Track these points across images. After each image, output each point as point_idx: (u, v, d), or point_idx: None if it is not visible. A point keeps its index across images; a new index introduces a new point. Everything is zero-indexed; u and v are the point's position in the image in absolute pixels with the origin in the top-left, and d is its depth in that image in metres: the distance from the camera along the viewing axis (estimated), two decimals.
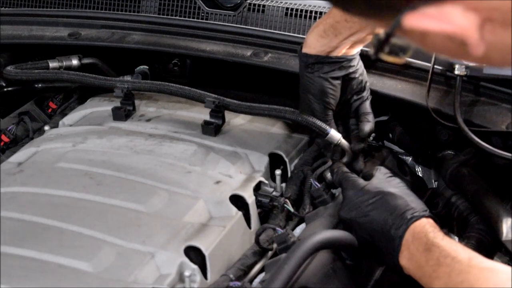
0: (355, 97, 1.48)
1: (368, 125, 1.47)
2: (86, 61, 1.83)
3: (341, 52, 1.43)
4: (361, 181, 1.33)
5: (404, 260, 1.22)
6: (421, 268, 1.18)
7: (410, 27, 0.70)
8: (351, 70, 1.45)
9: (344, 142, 1.46)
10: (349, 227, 1.30)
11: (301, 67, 1.47)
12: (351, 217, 1.29)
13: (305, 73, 1.46)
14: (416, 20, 0.69)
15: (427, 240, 1.19)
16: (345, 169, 1.41)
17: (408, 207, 1.25)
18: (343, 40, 1.40)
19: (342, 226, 1.32)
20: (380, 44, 0.73)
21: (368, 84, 1.50)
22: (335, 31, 1.39)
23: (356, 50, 1.45)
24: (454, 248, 1.16)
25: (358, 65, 1.47)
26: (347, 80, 1.46)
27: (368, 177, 1.36)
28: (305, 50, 1.45)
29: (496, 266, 1.13)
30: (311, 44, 1.44)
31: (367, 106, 1.49)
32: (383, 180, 1.32)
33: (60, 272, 1.18)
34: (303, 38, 1.71)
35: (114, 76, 1.81)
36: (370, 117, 1.48)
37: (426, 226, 1.21)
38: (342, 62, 1.44)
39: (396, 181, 1.33)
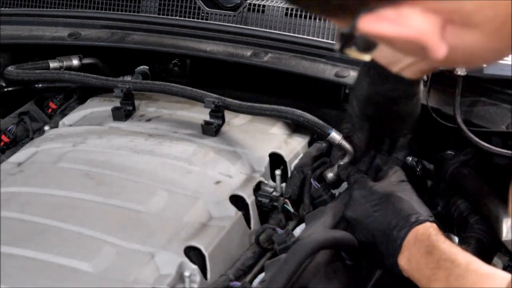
0: None
1: (400, 157, 1.44)
2: (86, 61, 1.83)
3: (401, 70, 1.34)
4: (370, 183, 1.33)
5: (404, 260, 1.22)
6: (421, 270, 1.18)
7: (366, 31, 0.67)
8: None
9: (345, 142, 1.46)
10: (353, 227, 1.30)
11: (363, 65, 1.40)
12: (355, 217, 1.29)
13: (360, 71, 1.39)
14: (372, 23, 0.67)
15: (429, 242, 1.19)
16: (360, 173, 1.39)
17: (413, 211, 1.25)
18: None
19: (342, 226, 1.33)
20: (343, 41, 0.71)
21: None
22: None
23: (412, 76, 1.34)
24: (454, 251, 1.16)
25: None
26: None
27: (382, 176, 1.36)
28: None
29: (494, 272, 1.13)
30: (381, 47, 1.37)
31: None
32: (393, 183, 1.32)
33: (60, 272, 1.18)
34: (303, 38, 1.71)
35: (113, 76, 1.81)
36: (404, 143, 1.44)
37: (430, 230, 1.22)
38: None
39: (407, 186, 1.33)
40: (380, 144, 1.44)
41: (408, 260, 1.21)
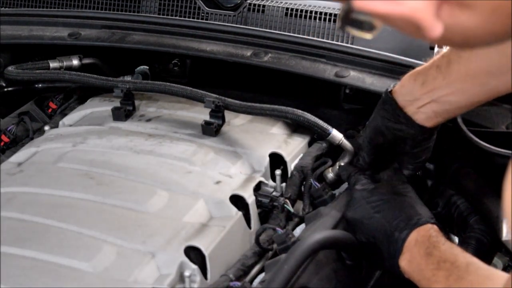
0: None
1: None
2: (86, 61, 1.83)
3: (417, 110, 1.33)
4: (371, 184, 1.33)
5: (404, 262, 1.22)
6: (421, 272, 1.19)
7: (361, 8, 0.67)
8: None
9: (345, 142, 1.47)
10: (354, 227, 1.30)
11: (383, 95, 1.38)
12: (356, 217, 1.29)
13: (379, 102, 1.38)
14: (367, 1, 0.67)
15: (429, 244, 1.20)
16: (361, 173, 1.39)
17: (415, 212, 1.25)
18: (424, 94, 1.30)
19: (342, 226, 1.33)
20: (343, 18, 0.71)
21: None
22: (424, 78, 1.31)
23: (425, 121, 1.34)
24: (454, 253, 1.17)
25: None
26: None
27: (382, 177, 1.36)
28: (398, 85, 1.35)
29: (494, 273, 1.13)
30: (404, 82, 1.35)
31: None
32: (394, 184, 1.33)
33: (60, 272, 1.18)
34: (303, 38, 1.72)
35: (113, 76, 1.81)
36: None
37: (430, 231, 1.22)
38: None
39: (408, 188, 1.33)
40: (388, 163, 1.43)
41: (409, 261, 1.21)
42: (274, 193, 1.40)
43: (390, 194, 1.29)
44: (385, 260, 1.25)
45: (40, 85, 1.86)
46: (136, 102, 1.65)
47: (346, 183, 1.41)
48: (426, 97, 1.30)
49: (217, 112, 1.54)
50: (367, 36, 0.72)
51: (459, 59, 1.25)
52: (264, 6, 1.84)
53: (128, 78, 1.81)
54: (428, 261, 1.18)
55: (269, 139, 1.54)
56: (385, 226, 1.25)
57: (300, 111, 1.50)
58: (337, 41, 1.75)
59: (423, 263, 1.19)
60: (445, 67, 1.27)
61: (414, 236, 1.22)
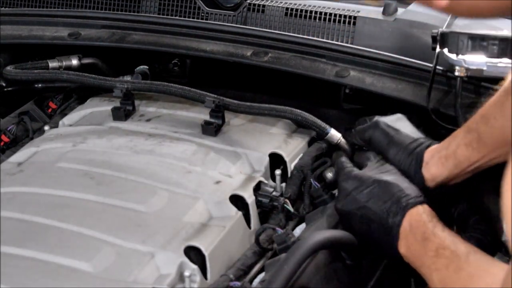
0: None
1: None
2: (86, 61, 1.83)
3: (452, 183, 1.34)
4: (355, 171, 1.33)
5: (403, 248, 1.22)
6: (421, 258, 1.19)
7: None
8: None
9: (343, 141, 1.47)
10: (347, 220, 1.30)
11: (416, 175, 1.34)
12: (348, 210, 1.29)
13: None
14: None
15: (425, 229, 1.20)
16: (344, 159, 1.39)
17: (402, 193, 1.25)
18: (460, 171, 1.31)
19: (341, 226, 1.33)
20: None
21: None
22: (455, 161, 1.30)
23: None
24: (454, 240, 1.17)
25: None
26: None
27: (360, 167, 1.37)
28: (427, 174, 1.32)
29: (493, 266, 1.12)
30: (432, 170, 1.32)
31: None
32: (375, 167, 1.33)
33: (60, 272, 1.18)
34: (303, 38, 1.72)
35: (113, 76, 1.81)
36: None
37: (423, 215, 1.22)
38: None
39: (388, 167, 1.33)
40: None
41: (407, 247, 1.21)
42: (274, 193, 1.40)
43: (376, 179, 1.29)
44: (384, 248, 1.25)
45: (39, 85, 1.86)
46: (136, 102, 1.65)
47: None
48: (464, 173, 1.31)
49: (217, 112, 1.54)
50: (378, 3, 0.74)
51: (491, 130, 1.24)
52: (264, 6, 1.84)
53: (127, 78, 1.81)
54: (427, 247, 1.17)
55: (269, 139, 1.54)
56: (377, 214, 1.25)
57: (298, 110, 1.50)
58: (337, 41, 1.76)
59: (421, 249, 1.18)
60: (477, 142, 1.26)
61: (408, 222, 1.22)
